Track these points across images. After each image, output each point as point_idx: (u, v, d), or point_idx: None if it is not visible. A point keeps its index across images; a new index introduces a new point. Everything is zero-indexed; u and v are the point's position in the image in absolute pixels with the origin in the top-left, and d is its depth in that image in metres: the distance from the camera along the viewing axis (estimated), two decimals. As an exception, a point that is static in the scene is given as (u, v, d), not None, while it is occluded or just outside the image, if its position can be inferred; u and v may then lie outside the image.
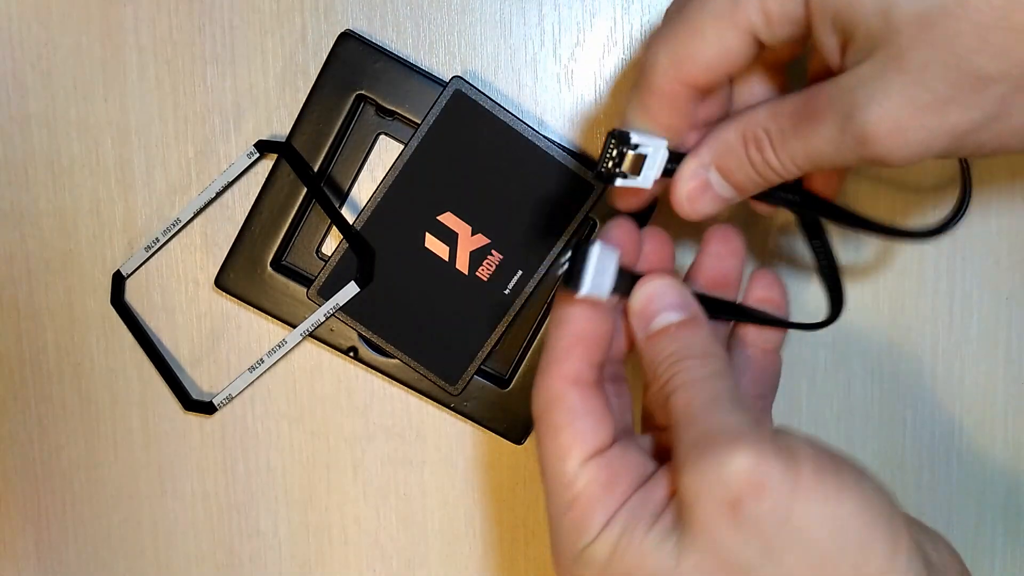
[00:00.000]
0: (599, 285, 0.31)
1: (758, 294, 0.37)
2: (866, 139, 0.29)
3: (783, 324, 0.37)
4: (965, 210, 0.35)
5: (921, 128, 0.28)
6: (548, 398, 0.32)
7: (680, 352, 0.32)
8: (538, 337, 0.44)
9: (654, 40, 0.33)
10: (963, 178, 0.35)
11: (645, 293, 0.34)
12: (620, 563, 0.31)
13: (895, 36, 0.28)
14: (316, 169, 0.43)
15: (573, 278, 0.31)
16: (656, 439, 0.35)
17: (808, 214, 0.36)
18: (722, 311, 0.36)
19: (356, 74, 0.42)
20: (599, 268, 0.31)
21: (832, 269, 0.37)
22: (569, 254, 0.31)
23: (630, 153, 0.32)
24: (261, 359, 0.45)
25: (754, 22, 0.31)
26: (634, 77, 0.34)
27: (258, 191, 0.44)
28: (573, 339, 0.33)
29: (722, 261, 0.37)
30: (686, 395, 0.31)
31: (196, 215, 0.45)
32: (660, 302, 0.33)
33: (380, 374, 0.45)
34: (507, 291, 0.43)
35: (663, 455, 0.33)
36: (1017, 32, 0.27)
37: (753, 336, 0.37)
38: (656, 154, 0.32)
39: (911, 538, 0.30)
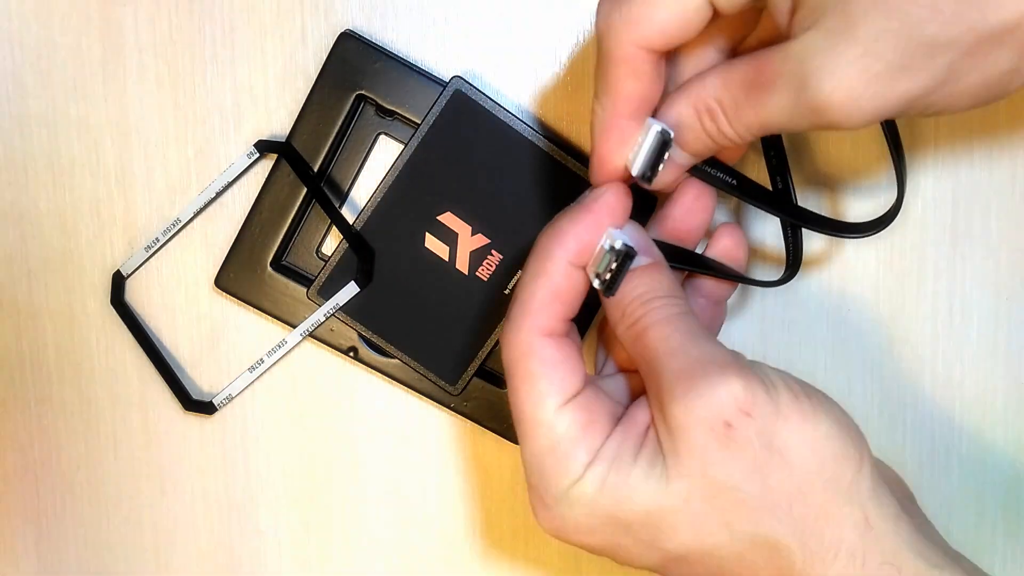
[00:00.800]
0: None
1: (723, 244, 0.38)
2: (821, 109, 0.29)
3: (739, 279, 0.39)
4: (903, 195, 0.35)
5: (875, 96, 0.29)
6: (523, 349, 0.33)
7: (651, 292, 0.33)
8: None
9: (607, 3, 0.32)
10: (894, 154, 0.35)
11: None
12: (609, 496, 0.32)
13: (848, 5, 0.28)
14: (316, 169, 0.43)
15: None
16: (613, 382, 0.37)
17: (775, 174, 0.38)
18: (681, 260, 0.37)
19: (356, 74, 0.42)
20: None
21: (796, 226, 0.38)
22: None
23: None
24: (261, 359, 0.45)
25: None
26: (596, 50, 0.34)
27: (258, 191, 0.44)
28: (551, 295, 0.34)
29: (691, 216, 0.37)
30: (663, 330, 0.32)
31: (196, 215, 0.45)
32: None
33: (380, 374, 0.45)
34: (507, 291, 0.43)
35: (621, 396, 0.35)
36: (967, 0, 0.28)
37: (709, 287, 0.38)
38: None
39: (869, 452, 0.32)
